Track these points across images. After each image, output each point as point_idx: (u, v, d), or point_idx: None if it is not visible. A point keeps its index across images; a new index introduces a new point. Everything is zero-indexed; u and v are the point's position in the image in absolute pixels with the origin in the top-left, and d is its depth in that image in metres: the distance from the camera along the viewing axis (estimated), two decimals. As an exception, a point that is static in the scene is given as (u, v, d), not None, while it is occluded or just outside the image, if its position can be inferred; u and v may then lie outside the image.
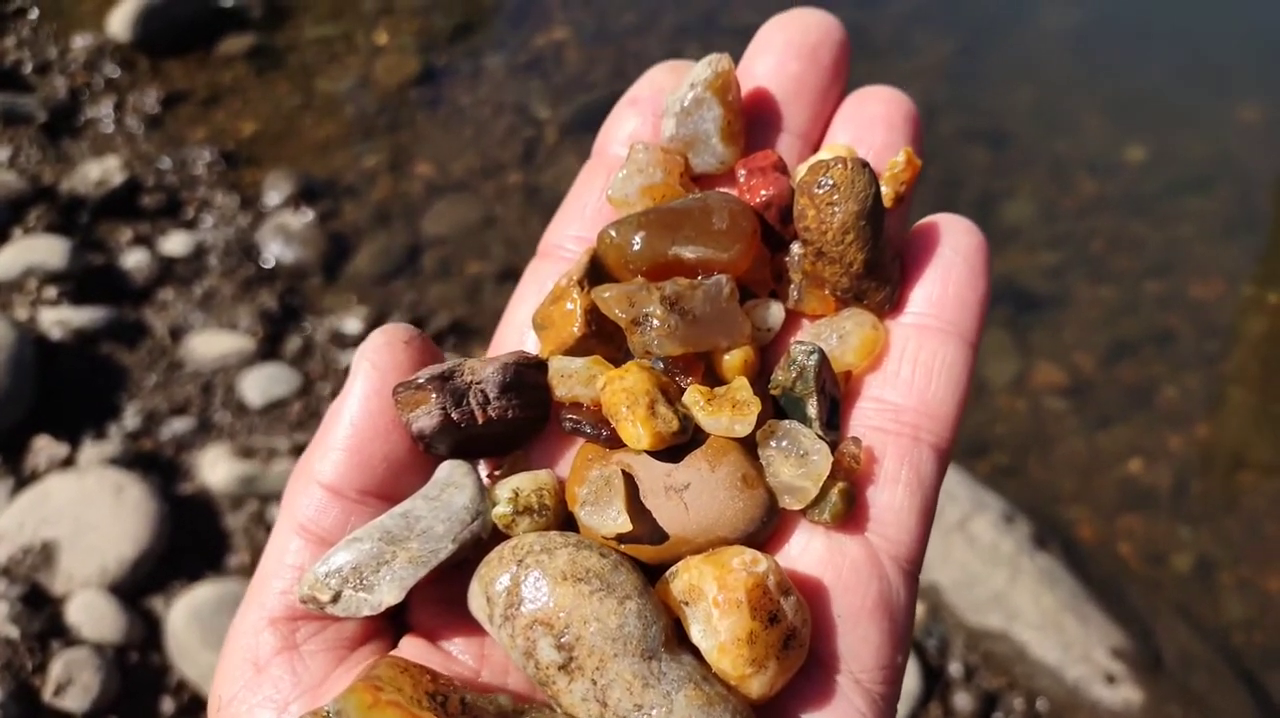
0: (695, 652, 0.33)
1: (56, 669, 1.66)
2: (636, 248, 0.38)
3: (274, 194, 2.70)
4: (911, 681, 1.75)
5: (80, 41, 3.16)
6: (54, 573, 1.77)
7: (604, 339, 0.39)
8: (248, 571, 1.85)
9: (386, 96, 3.12)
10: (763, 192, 0.40)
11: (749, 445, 0.38)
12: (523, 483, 0.36)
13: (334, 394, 2.19)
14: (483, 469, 0.39)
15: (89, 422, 2.08)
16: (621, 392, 0.36)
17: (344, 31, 3.34)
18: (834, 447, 0.37)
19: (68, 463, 1.97)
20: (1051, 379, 2.49)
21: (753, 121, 0.42)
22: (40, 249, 2.36)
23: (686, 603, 0.34)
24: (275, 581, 0.36)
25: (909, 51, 3.34)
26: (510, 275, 2.57)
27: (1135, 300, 2.67)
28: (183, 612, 1.74)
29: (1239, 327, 2.67)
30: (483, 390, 0.36)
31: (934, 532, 1.93)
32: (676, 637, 0.34)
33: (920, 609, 1.87)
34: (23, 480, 1.94)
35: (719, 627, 0.32)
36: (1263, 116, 3.14)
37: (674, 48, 3.31)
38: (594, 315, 0.38)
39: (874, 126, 0.41)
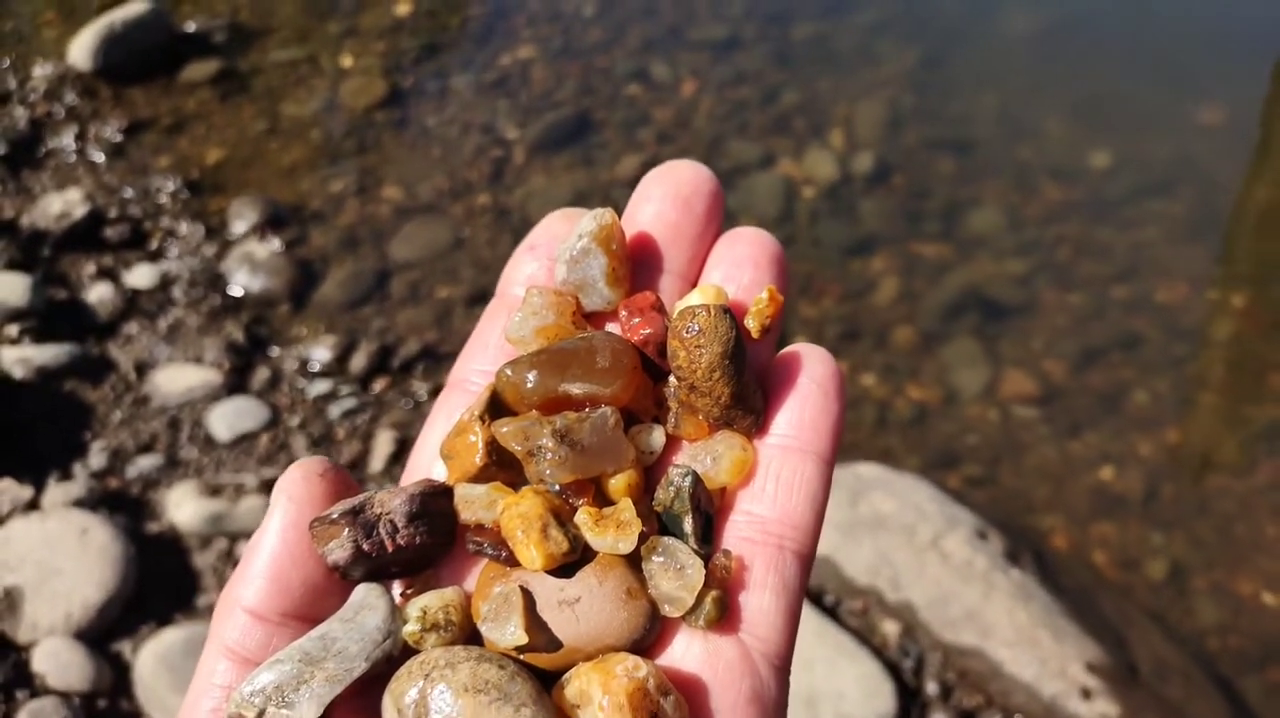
0: None
1: (23, 719, 1.63)
2: (530, 385, 0.43)
3: (240, 222, 2.67)
4: (888, 701, 1.76)
5: (40, 71, 3.13)
6: (18, 621, 1.75)
7: (504, 466, 0.43)
8: (217, 611, 1.83)
9: (353, 119, 3.10)
10: (643, 330, 0.45)
11: (634, 560, 0.43)
12: (430, 602, 0.41)
13: (303, 426, 2.18)
14: (396, 588, 0.43)
15: (53, 462, 2.05)
16: (517, 517, 0.41)
17: (309, 54, 3.32)
18: (708, 559, 0.42)
19: (32, 506, 1.95)
20: (1021, 388, 2.50)
21: (637, 263, 0.48)
22: (1, 286, 2.33)
23: (577, 706, 0.38)
24: (205, 699, 0.40)
25: (873, 61, 3.36)
26: (480, 299, 2.55)
27: (1103, 306, 2.69)
28: (150, 657, 1.71)
29: (1205, 330, 2.70)
30: (391, 521, 0.41)
31: (907, 550, 1.94)
32: None
33: (895, 628, 1.87)
34: (-14, 525, 1.91)
35: None
36: (1224, 119, 3.17)
37: (640, 64, 3.31)
38: (494, 447, 0.43)
39: (742, 267, 0.47)
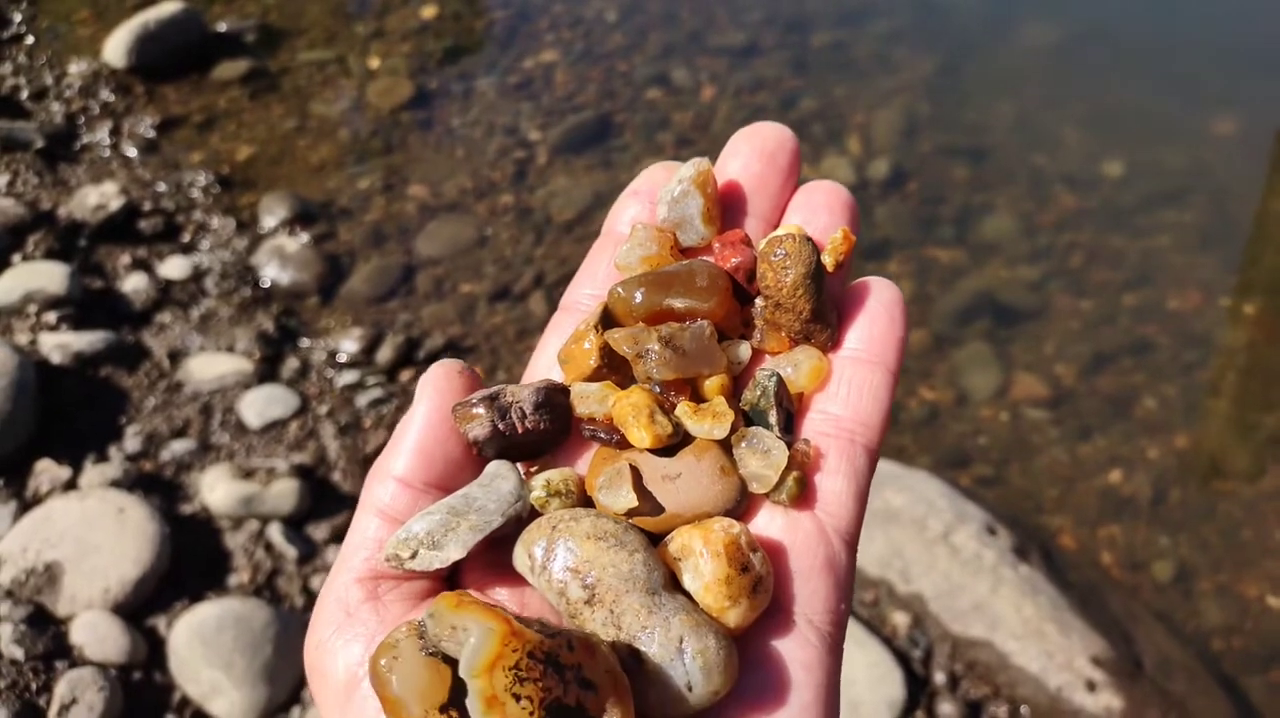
0: (687, 595, 0.45)
1: (61, 690, 1.69)
2: (638, 300, 0.50)
3: (270, 217, 2.74)
4: (897, 688, 1.80)
5: (76, 68, 3.21)
6: (57, 595, 1.81)
7: (614, 369, 0.51)
8: (248, 590, 1.89)
9: (380, 119, 3.17)
10: (733, 259, 0.52)
11: (725, 446, 0.49)
12: (553, 475, 0.48)
13: (330, 414, 2.24)
14: (520, 469, 0.51)
15: (90, 445, 2.12)
16: (628, 406, 0.48)
17: (337, 55, 3.39)
18: (789, 445, 0.48)
19: (70, 486, 2.01)
20: (1032, 391, 2.54)
21: (726, 208, 0.55)
22: (40, 274, 2.40)
23: (679, 559, 0.45)
24: (359, 552, 0.46)
25: (890, 69, 3.41)
26: (502, 295, 2.62)
27: (1114, 312, 2.73)
28: (184, 631, 1.77)
29: (1216, 337, 2.73)
30: (521, 407, 0.48)
31: (918, 543, 1.98)
32: (673, 584, 0.45)
33: (905, 619, 1.92)
34: (25, 504, 1.98)
35: (704, 572, 0.43)
36: (1237, 129, 3.21)
37: (660, 69, 3.37)
38: (606, 352, 0.50)
39: (818, 212, 0.53)
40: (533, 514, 0.47)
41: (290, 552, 1.93)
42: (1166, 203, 3.00)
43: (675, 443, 0.48)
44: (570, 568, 0.43)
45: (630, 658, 0.41)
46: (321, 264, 2.63)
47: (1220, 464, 2.47)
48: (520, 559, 0.45)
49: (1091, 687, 1.83)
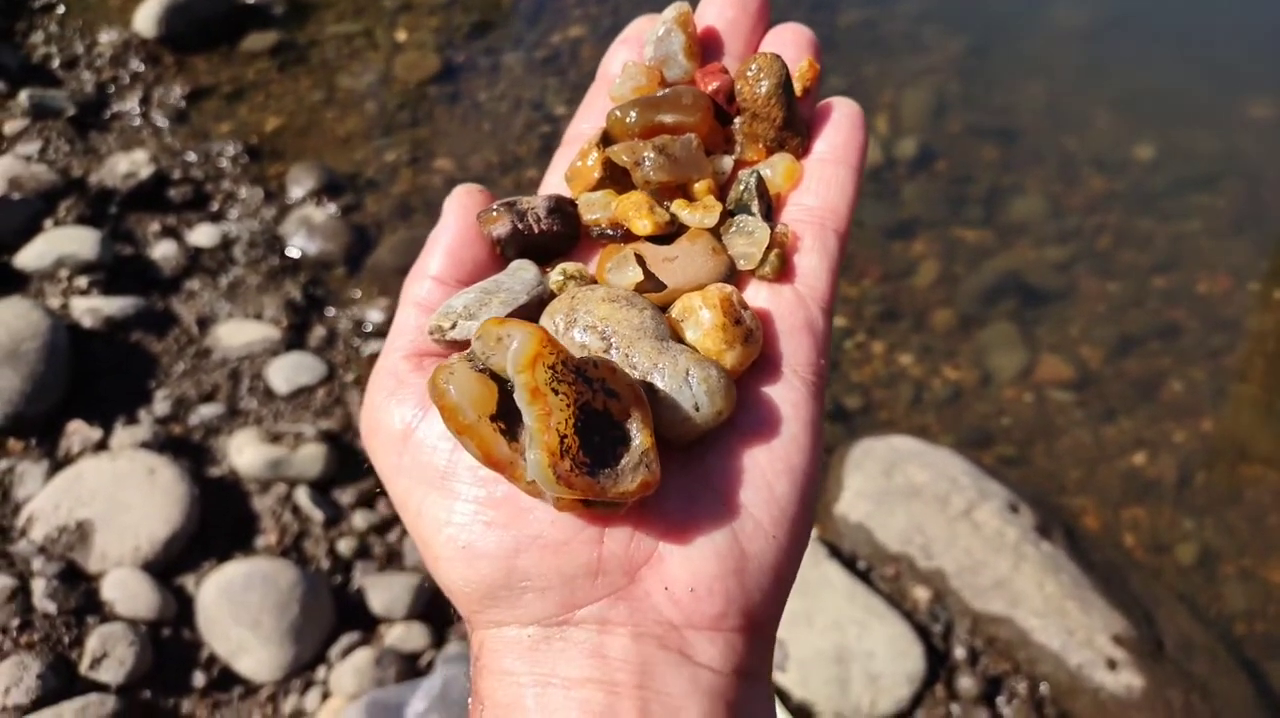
0: (690, 347, 0.51)
1: (92, 643, 1.72)
2: (633, 119, 0.57)
3: (297, 187, 2.76)
4: (917, 662, 1.81)
5: (106, 37, 3.23)
6: (89, 552, 1.84)
7: (614, 181, 0.57)
8: (275, 551, 1.91)
9: (407, 92, 3.17)
10: (713, 84, 0.59)
11: (714, 234, 0.56)
12: (568, 265, 0.54)
13: (358, 382, 2.26)
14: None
15: (120, 407, 2.14)
16: (630, 203, 0.55)
17: (365, 28, 3.40)
18: (771, 229, 0.55)
19: (100, 447, 2.04)
20: (1058, 372, 2.53)
21: (704, 48, 0.63)
22: (71, 240, 2.43)
23: (681, 320, 0.51)
24: (402, 337, 0.52)
25: (919, 49, 3.38)
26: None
27: (1142, 295, 2.71)
28: (213, 589, 1.80)
29: (1245, 322, 2.71)
30: (536, 212, 0.54)
31: (940, 519, 1.98)
32: (676, 339, 0.52)
33: (926, 594, 1.92)
34: (57, 463, 2.00)
35: (703, 321, 0.49)
36: (1272, 113, 3.17)
37: (688, 45, 3.35)
38: (608, 164, 0.57)
39: (786, 48, 0.60)
40: (551, 298, 0.53)
41: (317, 515, 1.95)
42: (1198, 187, 2.97)
43: (672, 232, 0.55)
44: (589, 326, 0.49)
45: (645, 389, 0.47)
46: (348, 235, 2.64)
47: (1247, 449, 2.45)
48: (545, 322, 0.51)
49: (1112, 665, 1.83)
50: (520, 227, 0.53)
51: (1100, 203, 2.92)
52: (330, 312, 2.44)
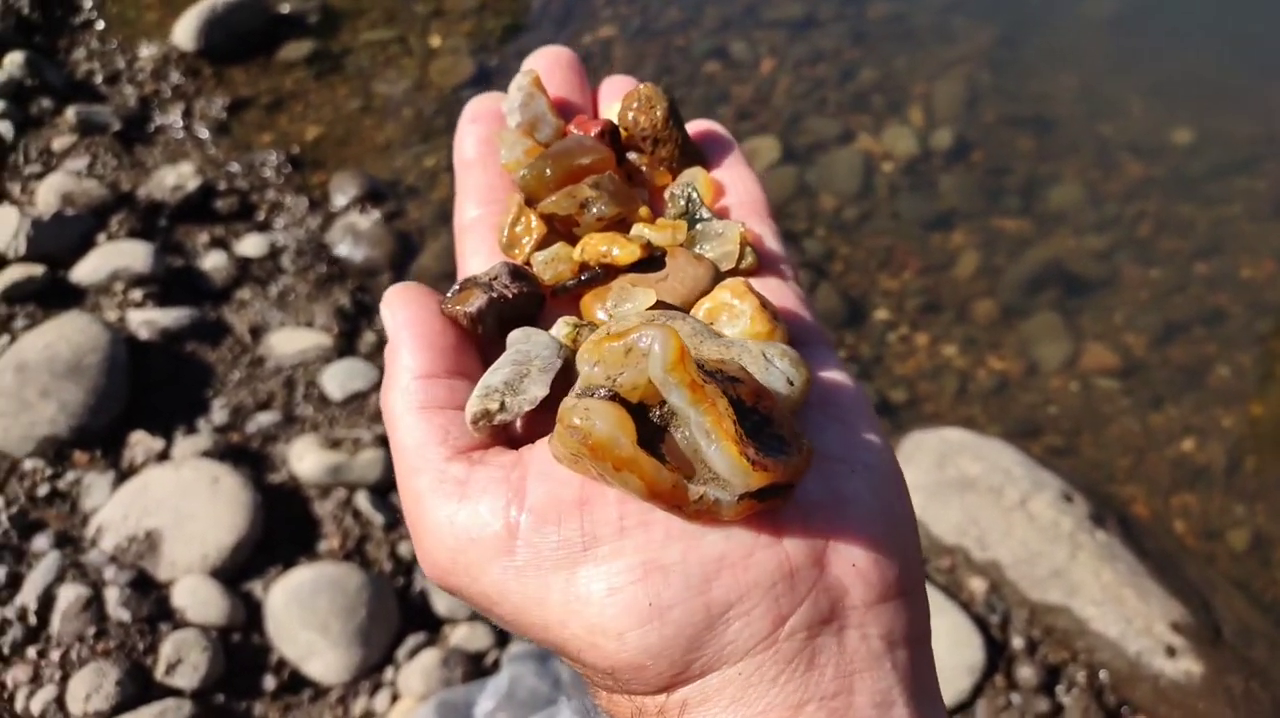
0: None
1: (167, 650, 1.76)
2: (549, 173, 0.55)
3: (341, 196, 2.80)
4: (977, 652, 1.82)
5: (146, 51, 3.28)
6: (159, 560, 1.88)
7: (557, 236, 0.55)
8: (338, 555, 1.95)
9: (442, 98, 3.20)
10: (594, 129, 0.59)
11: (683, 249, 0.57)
12: (565, 318, 0.51)
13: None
14: None
15: (179, 418, 2.19)
16: (601, 241, 0.53)
17: (398, 35, 3.43)
18: (739, 227, 0.56)
19: (163, 457, 2.08)
20: (1103, 361, 2.53)
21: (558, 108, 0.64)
22: (125, 253, 2.48)
23: (712, 323, 0.50)
24: (428, 445, 0.45)
25: (950, 40, 3.38)
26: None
27: (1185, 281, 2.70)
28: (281, 594, 1.84)
29: (1290, 306, 2.69)
30: (501, 280, 0.51)
31: (995, 510, 1.99)
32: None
33: (982, 585, 1.93)
34: (122, 474, 2.05)
35: (743, 310, 0.49)
36: (1310, 95, 3.14)
37: (718, 42, 3.37)
38: (548, 220, 0.55)
39: (620, 93, 0.62)
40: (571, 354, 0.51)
41: (378, 518, 1.98)
42: (1237, 171, 2.95)
43: (649, 255, 0.53)
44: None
45: None
46: (392, 241, 2.68)
47: (1297, 433, 2.44)
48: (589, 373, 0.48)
49: (1171, 652, 1.84)
50: (494, 296, 0.50)
51: (1139, 189, 2.91)
52: (379, 318, 2.47)
